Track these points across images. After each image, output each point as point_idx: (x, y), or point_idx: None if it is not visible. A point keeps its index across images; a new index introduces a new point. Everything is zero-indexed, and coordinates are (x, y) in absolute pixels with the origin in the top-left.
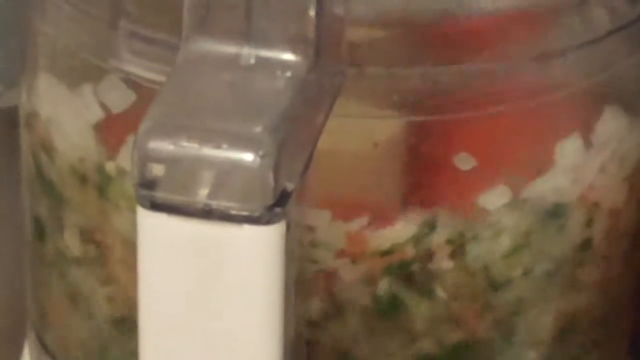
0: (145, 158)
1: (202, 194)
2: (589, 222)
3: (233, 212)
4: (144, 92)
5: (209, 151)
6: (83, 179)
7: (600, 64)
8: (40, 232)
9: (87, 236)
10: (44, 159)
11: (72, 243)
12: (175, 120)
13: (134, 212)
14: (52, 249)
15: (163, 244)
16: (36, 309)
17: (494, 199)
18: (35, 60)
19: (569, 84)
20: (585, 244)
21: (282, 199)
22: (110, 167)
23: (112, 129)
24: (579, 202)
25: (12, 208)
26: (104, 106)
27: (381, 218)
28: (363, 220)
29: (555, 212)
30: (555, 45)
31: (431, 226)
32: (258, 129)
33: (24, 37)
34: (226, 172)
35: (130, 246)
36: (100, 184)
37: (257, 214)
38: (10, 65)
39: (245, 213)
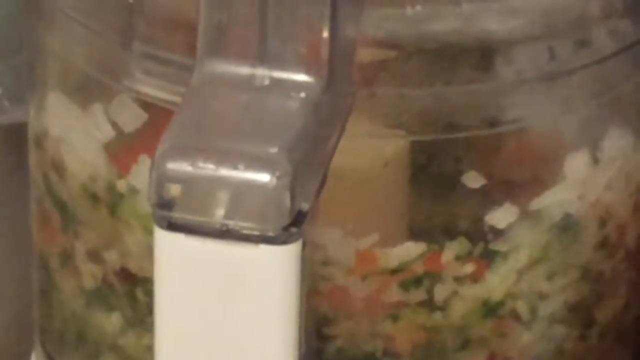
0: (163, 179)
1: (219, 214)
2: (594, 237)
3: (249, 232)
4: (155, 112)
5: (225, 172)
6: (94, 198)
7: (606, 84)
8: (48, 248)
9: (97, 254)
10: (54, 178)
11: (82, 261)
12: (192, 142)
13: (145, 230)
14: (60, 266)
15: (180, 263)
16: (43, 323)
17: (502, 216)
18: (45, 79)
19: (575, 103)
20: (592, 258)
21: (298, 219)
22: (121, 185)
23: (123, 148)
24: (584, 217)
25: (18, 223)
26: (115, 125)
27: (391, 236)
28: (373, 238)
29: (563, 227)
30: (561, 66)
31: (440, 244)
32: (274, 149)
33: (30, 53)
34: (243, 192)
35: (141, 264)
36: (112, 203)
37: (273, 234)
38: (16, 81)
39: (261, 233)
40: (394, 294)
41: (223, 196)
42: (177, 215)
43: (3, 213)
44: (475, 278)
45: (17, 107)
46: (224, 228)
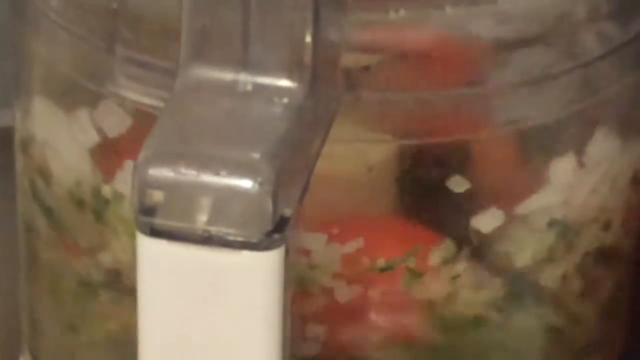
0: (145, 185)
1: (202, 220)
2: (581, 241)
3: (232, 238)
4: (140, 117)
5: (207, 178)
6: (80, 203)
7: (592, 87)
8: (35, 254)
9: (84, 259)
10: (40, 183)
11: (69, 266)
12: (174, 148)
13: (130, 235)
14: (48, 271)
15: (163, 269)
16: (30, 328)
17: (487, 221)
18: (30, 84)
19: (561, 107)
20: (577, 262)
21: (280, 225)
22: (106, 191)
23: (108, 153)
24: (571, 221)
25: (6, 225)
26: (100, 130)
27: (376, 240)
28: (358, 242)
29: (549, 231)
30: (547, 70)
31: (426, 249)
32: (256, 155)
33: (16, 58)
34: (225, 198)
35: (128, 269)
36: (97, 208)
37: (256, 240)
38: (2, 85)
39: (244, 239)
40: (380, 298)
41: (205, 202)
42: (160, 221)
43: None
44: (462, 281)
45: (3, 111)
46: (207, 234)
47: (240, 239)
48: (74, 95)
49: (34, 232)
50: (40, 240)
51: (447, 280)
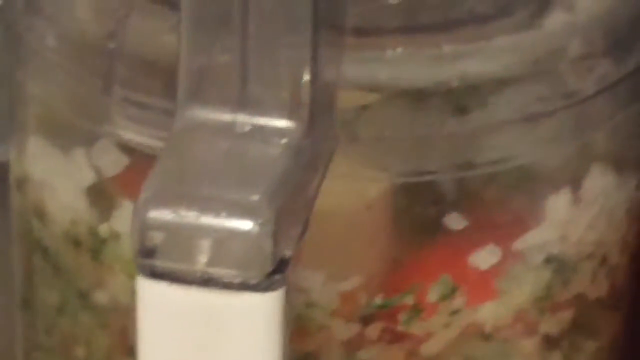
0: (145, 227)
1: (202, 261)
2: (578, 276)
3: (232, 279)
4: (136, 156)
5: (207, 220)
6: (76, 242)
7: (587, 123)
8: (31, 291)
9: (80, 298)
10: (35, 222)
11: (65, 305)
12: (174, 189)
13: (128, 274)
14: (44, 308)
15: (163, 311)
16: None
17: (484, 257)
18: (25, 122)
19: (557, 143)
20: (573, 297)
21: (280, 265)
22: (103, 230)
23: (105, 193)
24: (567, 257)
25: (1, 259)
26: (96, 170)
27: (374, 278)
28: (356, 280)
29: (545, 267)
30: (542, 106)
31: (424, 285)
32: (255, 197)
33: (11, 94)
34: (225, 240)
35: (125, 308)
36: (94, 248)
37: (256, 281)
38: None
39: (244, 281)
40: (378, 335)
41: (205, 244)
42: (160, 263)
43: None
44: (461, 317)
45: None
46: (207, 276)
47: (240, 280)
48: (70, 134)
49: (30, 269)
50: (36, 278)
51: (446, 316)
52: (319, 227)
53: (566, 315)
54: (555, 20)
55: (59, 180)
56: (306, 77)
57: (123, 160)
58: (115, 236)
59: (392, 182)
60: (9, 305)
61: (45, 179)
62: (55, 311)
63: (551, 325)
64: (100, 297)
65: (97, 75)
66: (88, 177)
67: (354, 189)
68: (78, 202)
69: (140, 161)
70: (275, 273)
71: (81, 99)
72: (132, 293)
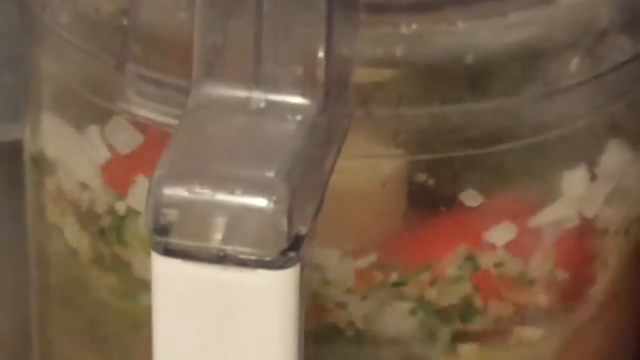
0: (160, 204)
1: (216, 239)
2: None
3: (247, 257)
4: (150, 134)
5: (222, 197)
6: (92, 220)
7: (604, 99)
8: (46, 269)
9: (99, 277)
10: (50, 199)
11: (83, 286)
12: (188, 167)
13: (144, 251)
14: (58, 287)
15: (177, 289)
16: (41, 347)
17: (500, 234)
18: (40, 100)
19: (573, 119)
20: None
21: (295, 243)
22: (120, 207)
23: (119, 170)
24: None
25: (12, 242)
26: (111, 147)
27: (389, 255)
28: (371, 257)
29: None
30: (560, 83)
31: (440, 262)
32: (270, 174)
33: (24, 73)
34: (240, 217)
35: (141, 284)
36: (112, 226)
37: (271, 258)
38: (6, 99)
39: (259, 258)
40: (394, 312)
41: (220, 221)
42: (174, 240)
43: None
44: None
45: (7, 126)
46: (221, 253)
47: (255, 257)
48: (84, 111)
49: (44, 248)
50: (51, 256)
51: (461, 295)
52: (334, 204)
53: None
54: None
55: (73, 158)
56: (321, 53)
57: (137, 138)
58: (133, 214)
59: (407, 159)
60: (24, 285)
61: (59, 156)
62: (70, 291)
63: None
64: (115, 276)
65: (111, 53)
66: (102, 155)
67: (369, 165)
68: (92, 179)
69: (155, 138)
70: (290, 250)
71: (95, 76)
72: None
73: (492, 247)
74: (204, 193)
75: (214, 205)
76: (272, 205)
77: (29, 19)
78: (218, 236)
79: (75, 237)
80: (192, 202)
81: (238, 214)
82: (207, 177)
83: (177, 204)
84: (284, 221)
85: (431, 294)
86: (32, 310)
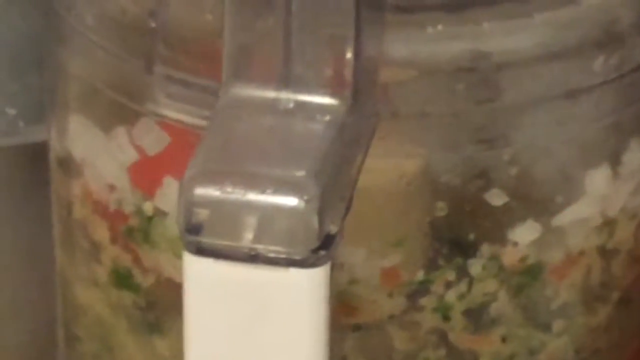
0: (191, 204)
1: (247, 238)
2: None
3: (278, 255)
4: (178, 135)
5: (253, 196)
6: (119, 221)
7: (627, 98)
8: (72, 271)
9: (123, 277)
10: (77, 200)
11: (108, 285)
12: (219, 166)
13: (173, 253)
14: (84, 288)
15: (209, 288)
16: (67, 345)
17: (524, 233)
18: (66, 102)
19: (595, 118)
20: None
21: (326, 241)
22: (147, 208)
23: (147, 171)
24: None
25: (37, 243)
26: (138, 148)
27: (415, 253)
28: (397, 256)
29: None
30: (581, 82)
31: (464, 261)
32: (301, 173)
33: (51, 74)
34: (271, 216)
35: (168, 285)
36: (140, 227)
37: (302, 257)
38: (31, 101)
39: (290, 257)
40: (419, 310)
41: (251, 220)
42: (206, 239)
43: (20, 233)
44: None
45: (32, 127)
46: (253, 252)
47: (286, 256)
48: (112, 113)
49: (70, 248)
50: (76, 257)
51: (485, 291)
52: (359, 203)
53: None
54: None
55: (100, 160)
56: (349, 54)
57: (165, 139)
58: (161, 215)
59: (431, 159)
60: (50, 283)
61: (86, 158)
62: (95, 289)
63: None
64: (141, 274)
65: (139, 54)
66: (130, 156)
67: (394, 165)
68: (120, 180)
69: (182, 139)
70: (320, 249)
71: (122, 78)
72: (178, 271)
73: (516, 245)
74: (235, 192)
75: (245, 204)
76: (303, 204)
77: (54, 20)
78: (249, 235)
79: (102, 238)
80: (223, 201)
81: (269, 213)
82: (238, 176)
83: (209, 203)
84: (315, 220)
85: (456, 292)
86: (58, 309)
